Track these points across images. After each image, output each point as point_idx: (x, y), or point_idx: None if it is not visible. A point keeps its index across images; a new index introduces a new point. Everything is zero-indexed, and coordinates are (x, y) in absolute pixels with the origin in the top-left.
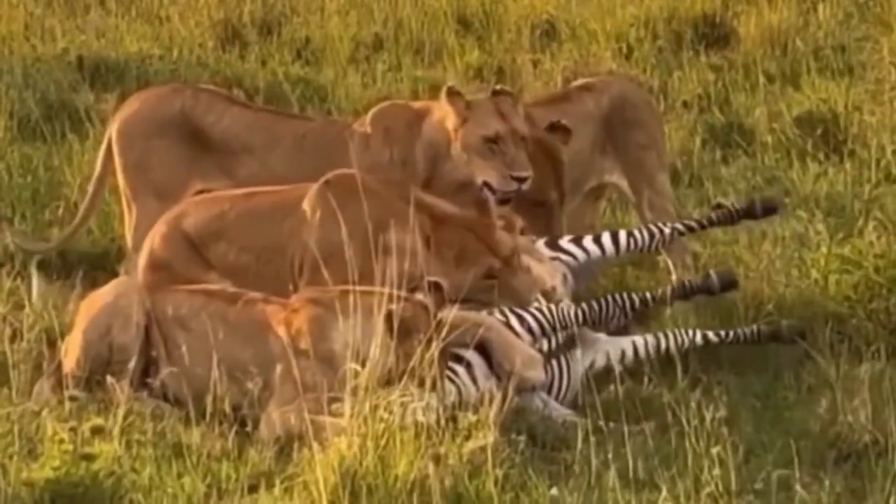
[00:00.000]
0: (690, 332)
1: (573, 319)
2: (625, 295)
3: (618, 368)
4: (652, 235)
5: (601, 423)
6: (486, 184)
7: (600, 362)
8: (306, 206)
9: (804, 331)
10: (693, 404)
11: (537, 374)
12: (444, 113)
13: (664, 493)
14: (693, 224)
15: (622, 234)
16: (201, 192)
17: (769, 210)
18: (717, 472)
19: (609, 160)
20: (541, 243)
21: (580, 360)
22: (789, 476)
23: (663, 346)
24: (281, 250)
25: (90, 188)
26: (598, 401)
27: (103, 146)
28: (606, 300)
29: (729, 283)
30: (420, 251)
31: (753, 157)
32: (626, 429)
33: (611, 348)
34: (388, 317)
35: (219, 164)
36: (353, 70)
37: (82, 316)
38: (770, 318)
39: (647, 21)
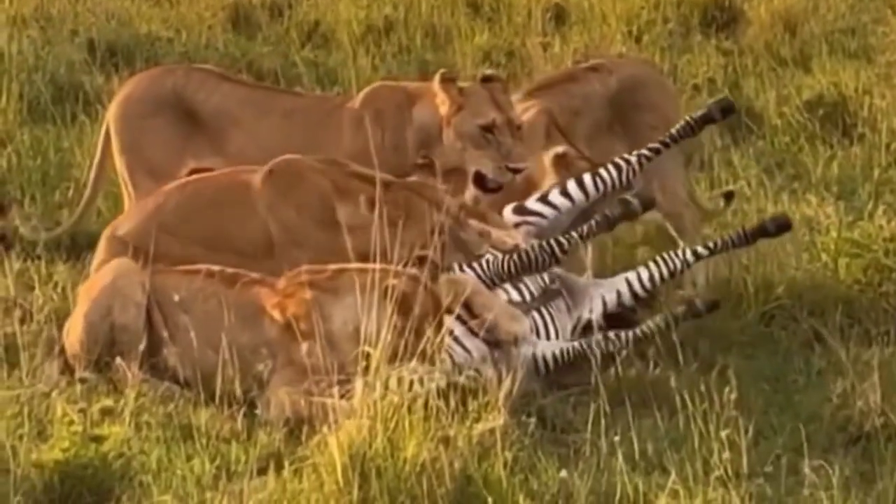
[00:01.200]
0: (681, 253)
1: (505, 269)
2: (552, 241)
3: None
4: (619, 169)
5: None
6: (478, 173)
7: (597, 310)
8: (255, 197)
9: (790, 223)
10: (702, 387)
11: (520, 327)
12: (437, 98)
13: (673, 475)
14: (658, 146)
15: (587, 178)
16: (194, 171)
17: (727, 111)
18: (726, 455)
19: (617, 141)
20: (508, 210)
21: (566, 311)
22: (799, 459)
23: (657, 274)
24: (229, 239)
25: (92, 172)
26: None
27: (102, 130)
28: (533, 248)
29: (647, 203)
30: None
31: (763, 140)
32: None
33: (605, 293)
34: (393, 295)
35: (209, 141)
36: (363, 52)
37: (83, 298)
38: (780, 304)
39: (658, 4)
